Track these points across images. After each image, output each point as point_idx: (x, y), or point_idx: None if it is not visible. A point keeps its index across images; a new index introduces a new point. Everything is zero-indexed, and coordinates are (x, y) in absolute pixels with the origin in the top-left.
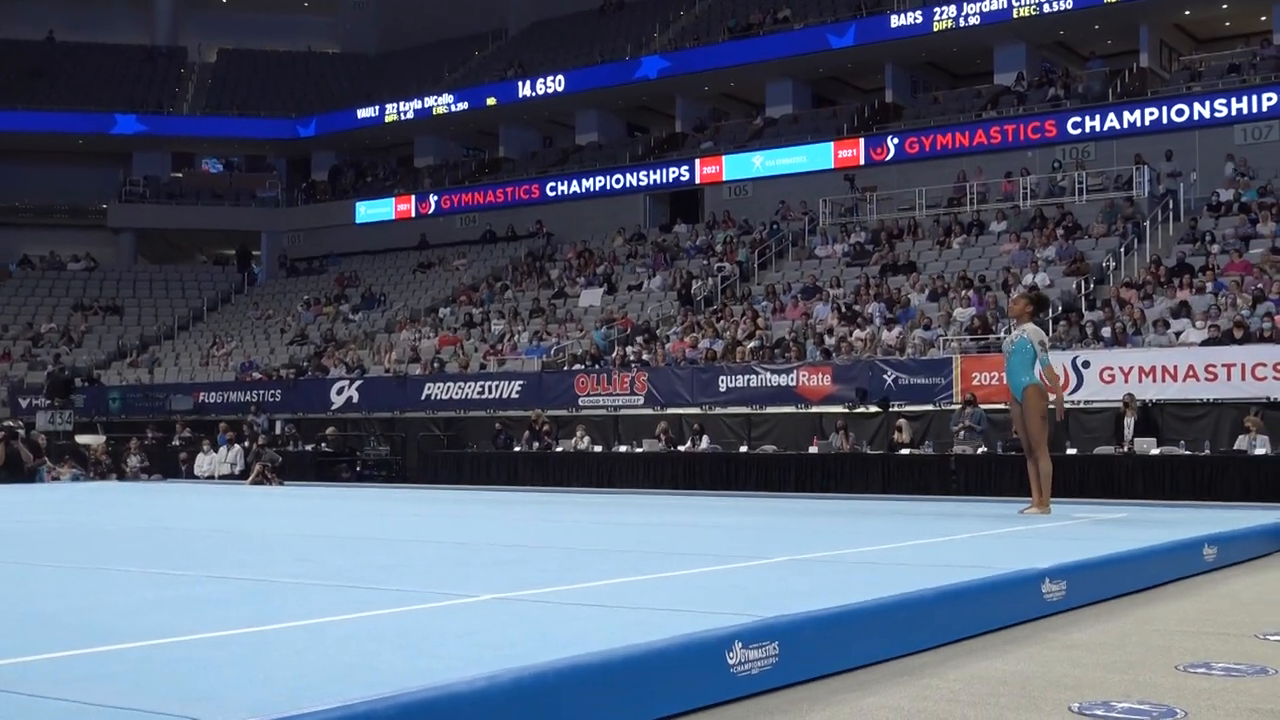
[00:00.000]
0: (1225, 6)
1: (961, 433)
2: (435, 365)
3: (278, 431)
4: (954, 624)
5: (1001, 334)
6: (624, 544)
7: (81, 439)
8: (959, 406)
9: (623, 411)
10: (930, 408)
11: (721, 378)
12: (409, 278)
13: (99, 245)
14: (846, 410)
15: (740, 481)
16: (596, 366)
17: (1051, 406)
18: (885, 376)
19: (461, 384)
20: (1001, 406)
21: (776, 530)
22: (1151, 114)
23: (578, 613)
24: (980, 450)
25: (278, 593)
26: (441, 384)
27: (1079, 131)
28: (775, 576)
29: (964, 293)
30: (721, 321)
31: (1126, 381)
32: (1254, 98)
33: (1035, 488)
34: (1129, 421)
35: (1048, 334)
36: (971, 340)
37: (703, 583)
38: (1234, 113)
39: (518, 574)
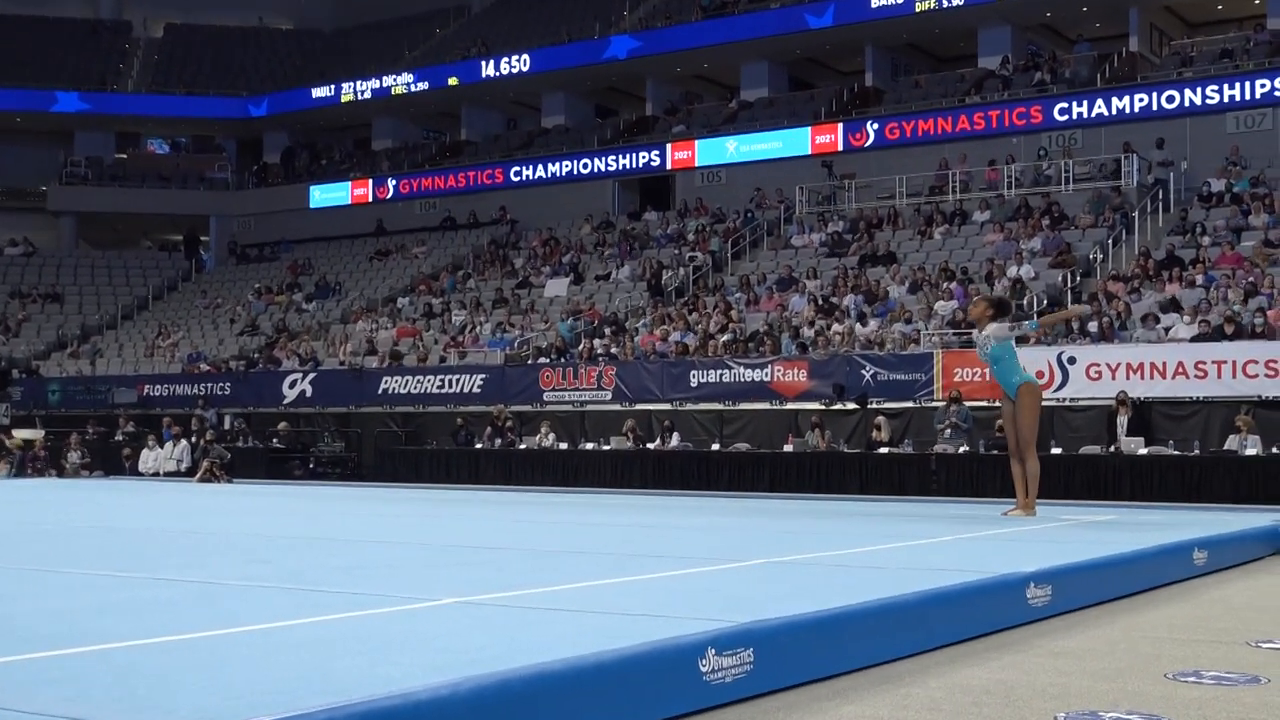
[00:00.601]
0: None
1: (947, 431)
2: (393, 358)
3: (227, 426)
4: (936, 630)
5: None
6: (592, 546)
7: (19, 433)
8: (944, 404)
9: (589, 407)
10: (910, 405)
11: (693, 372)
12: (365, 266)
13: (38, 229)
14: (823, 407)
15: (712, 481)
16: (562, 360)
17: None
18: (864, 372)
19: (420, 378)
20: (984, 403)
21: (751, 532)
22: (1141, 100)
23: (544, 617)
24: (962, 449)
25: (228, 596)
26: (399, 377)
27: (1066, 118)
28: (750, 580)
29: (946, 285)
30: (693, 314)
31: (1114, 378)
32: (1247, 84)
33: (1021, 488)
34: (1122, 420)
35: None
36: (954, 335)
37: (674, 586)
38: (1226, 99)
39: (481, 576)
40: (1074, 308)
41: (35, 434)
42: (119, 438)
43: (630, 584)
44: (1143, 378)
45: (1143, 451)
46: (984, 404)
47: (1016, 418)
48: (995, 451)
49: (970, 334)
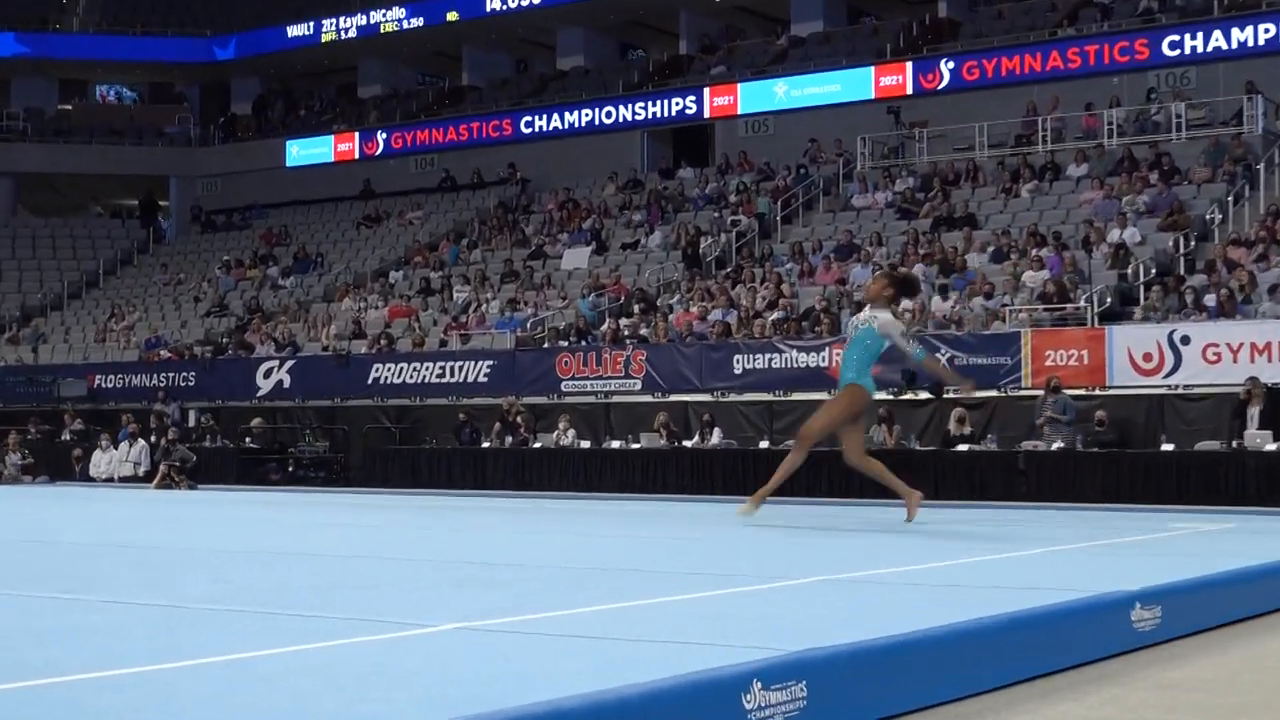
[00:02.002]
0: None
1: (1045, 425)
2: (384, 342)
3: (191, 423)
4: (1023, 660)
5: (1081, 302)
6: (617, 561)
7: None
8: (1041, 394)
9: (615, 399)
10: (994, 394)
11: (737, 357)
12: (351, 234)
13: None
14: (891, 397)
15: (759, 484)
16: (583, 344)
17: (953, 392)
18: (939, 355)
19: (417, 365)
20: (1083, 390)
21: (803, 545)
22: (1267, 31)
23: (561, 646)
24: (1055, 445)
25: (188, 621)
26: (392, 365)
27: (1177, 53)
28: (803, 602)
29: (1035, 252)
30: (737, 288)
31: (1235, 361)
32: None
33: (779, 478)
34: (1253, 412)
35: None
36: (1045, 310)
37: (714, 609)
38: None
39: (487, 598)
40: (964, 381)
41: None
42: (66, 437)
43: (661, 606)
44: (1270, 360)
45: (1270, 447)
46: (1083, 391)
47: (824, 409)
48: (1095, 449)
49: (1064, 310)
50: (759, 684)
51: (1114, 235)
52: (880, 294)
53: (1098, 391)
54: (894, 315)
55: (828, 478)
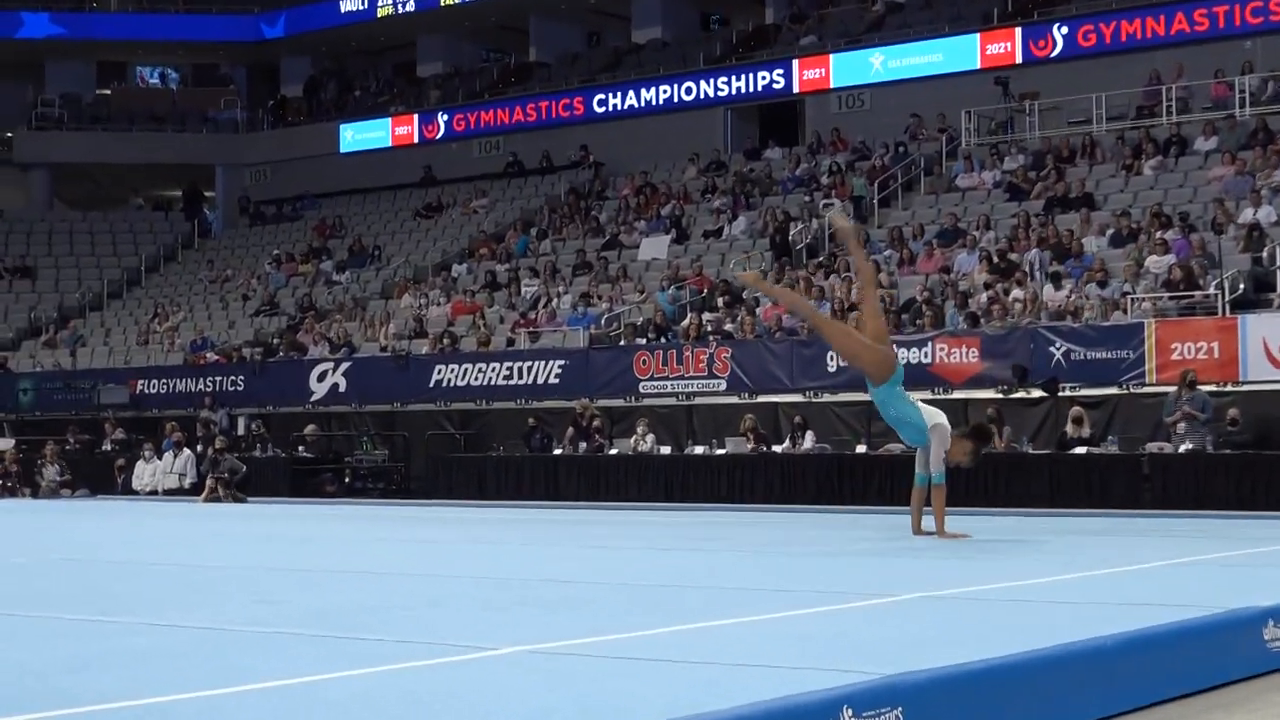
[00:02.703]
0: None
1: (1181, 424)
2: (447, 341)
3: (240, 431)
4: (1139, 683)
5: (1211, 289)
6: (697, 578)
7: None
8: (1174, 390)
9: (698, 401)
10: (1115, 391)
11: (830, 354)
12: (411, 225)
13: (3, 186)
14: (1001, 396)
15: (857, 493)
16: (662, 341)
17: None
18: (1052, 349)
19: (482, 366)
20: (1215, 386)
21: (900, 558)
22: None
23: (631, 671)
24: (1184, 447)
25: (236, 645)
26: (456, 366)
27: None
28: (898, 620)
29: (1159, 235)
30: (830, 278)
31: None
32: None
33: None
34: None
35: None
36: (1170, 299)
37: (802, 629)
38: None
39: (554, 619)
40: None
41: (3, 444)
42: (107, 447)
43: (744, 626)
44: None
45: None
46: (1213, 387)
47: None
48: (1228, 450)
49: (1192, 298)
50: (849, 710)
51: (1247, 215)
52: (960, 455)
53: (1230, 388)
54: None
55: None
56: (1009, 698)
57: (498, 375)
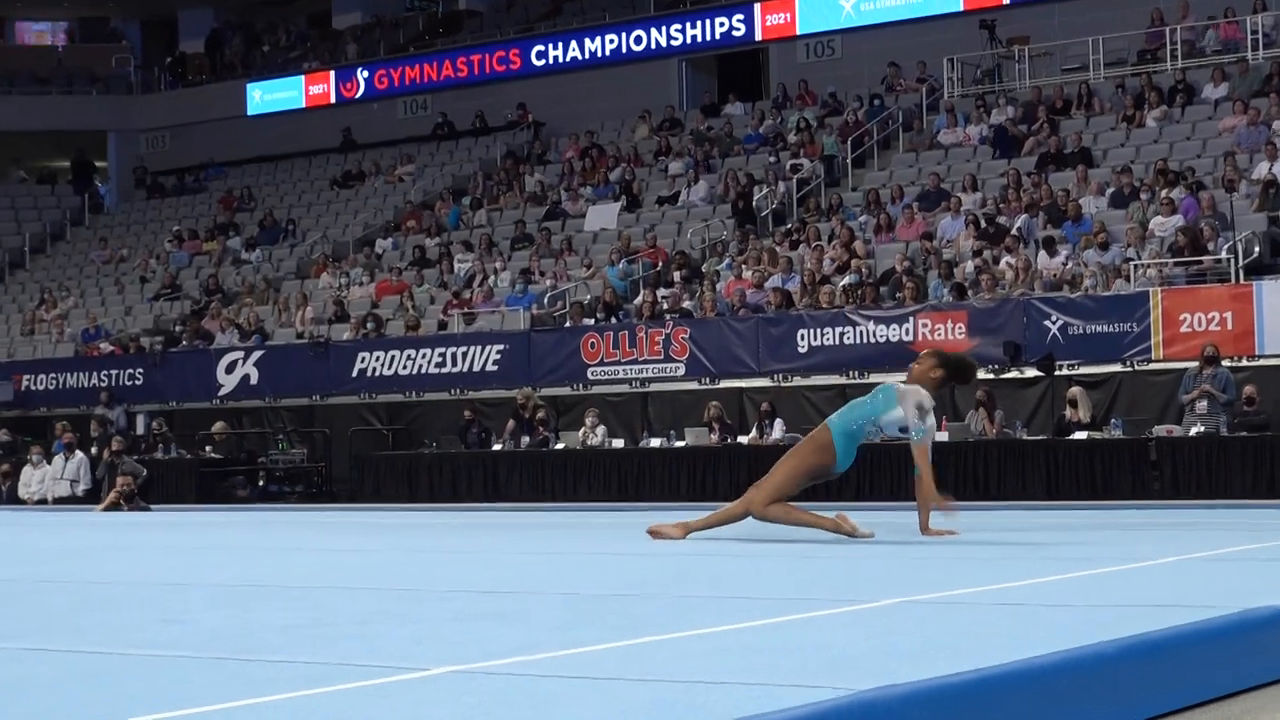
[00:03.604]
0: None
1: (1201, 402)
2: (371, 326)
3: (140, 431)
4: (1146, 694)
5: (1223, 253)
6: (650, 586)
7: None
8: (1194, 366)
9: (654, 387)
10: (1118, 369)
11: (801, 332)
12: (329, 196)
13: None
14: (991, 376)
15: (832, 487)
16: (613, 321)
17: (935, 509)
18: (1048, 323)
19: (411, 353)
20: (1229, 361)
21: (881, 559)
22: None
23: (577, 690)
24: (1195, 430)
25: (135, 670)
26: (382, 354)
27: None
28: (877, 630)
29: (1165, 193)
30: (799, 248)
31: None
32: None
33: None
34: None
35: None
36: (1178, 265)
37: (765, 640)
38: None
39: (490, 635)
40: (946, 504)
41: None
42: None
43: (701, 639)
44: None
45: None
46: (1226, 362)
47: (795, 453)
48: (1244, 433)
49: (1201, 264)
50: None
51: (1261, 170)
52: (926, 375)
53: (1245, 362)
54: (929, 394)
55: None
56: (999, 713)
57: (429, 363)
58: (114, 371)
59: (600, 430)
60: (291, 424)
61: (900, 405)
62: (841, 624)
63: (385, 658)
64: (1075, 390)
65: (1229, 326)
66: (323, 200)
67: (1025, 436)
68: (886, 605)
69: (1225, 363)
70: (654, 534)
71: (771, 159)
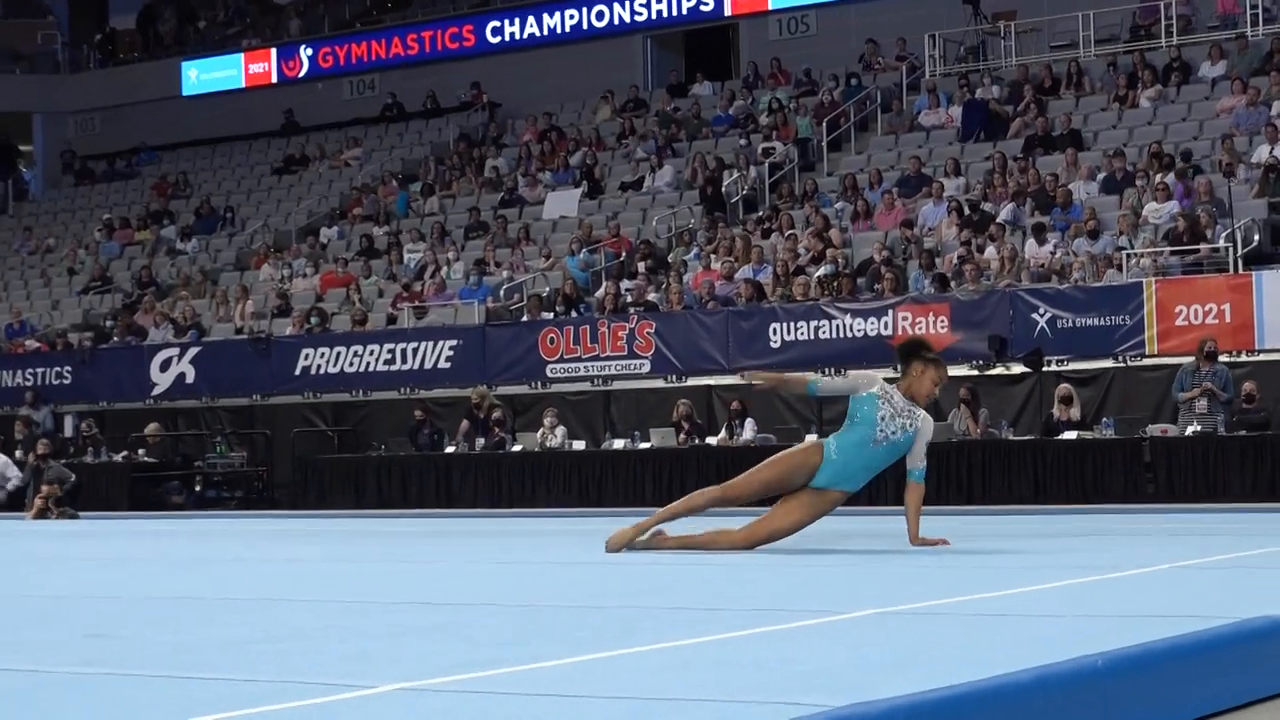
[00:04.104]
0: None
1: (1200, 401)
2: (316, 320)
3: (68, 433)
4: (1137, 710)
5: (1221, 242)
6: (611, 596)
7: None
8: (1190, 362)
9: (617, 386)
10: (1109, 364)
11: (774, 326)
12: (270, 182)
13: None
14: (975, 373)
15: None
16: (573, 315)
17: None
18: (1036, 316)
19: (358, 349)
20: (1228, 357)
21: (859, 567)
22: None
23: (532, 708)
24: (1191, 430)
25: (63, 690)
26: (327, 350)
27: None
28: (852, 642)
29: (1159, 178)
30: (771, 237)
31: None
32: None
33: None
34: None
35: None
36: (1173, 254)
37: (733, 654)
38: None
39: (441, 649)
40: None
41: None
42: None
43: (664, 653)
44: None
45: None
46: (1224, 358)
47: (794, 504)
48: (1243, 432)
49: (1198, 252)
50: None
51: (1261, 153)
52: (934, 388)
53: (1244, 358)
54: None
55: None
56: None
57: (377, 360)
58: (40, 370)
59: (560, 431)
60: (230, 425)
61: (919, 441)
62: (814, 636)
63: (329, 675)
64: (1066, 387)
65: (1227, 319)
66: (263, 187)
67: (1011, 436)
68: (862, 616)
69: (1223, 358)
70: (614, 547)
71: (742, 142)
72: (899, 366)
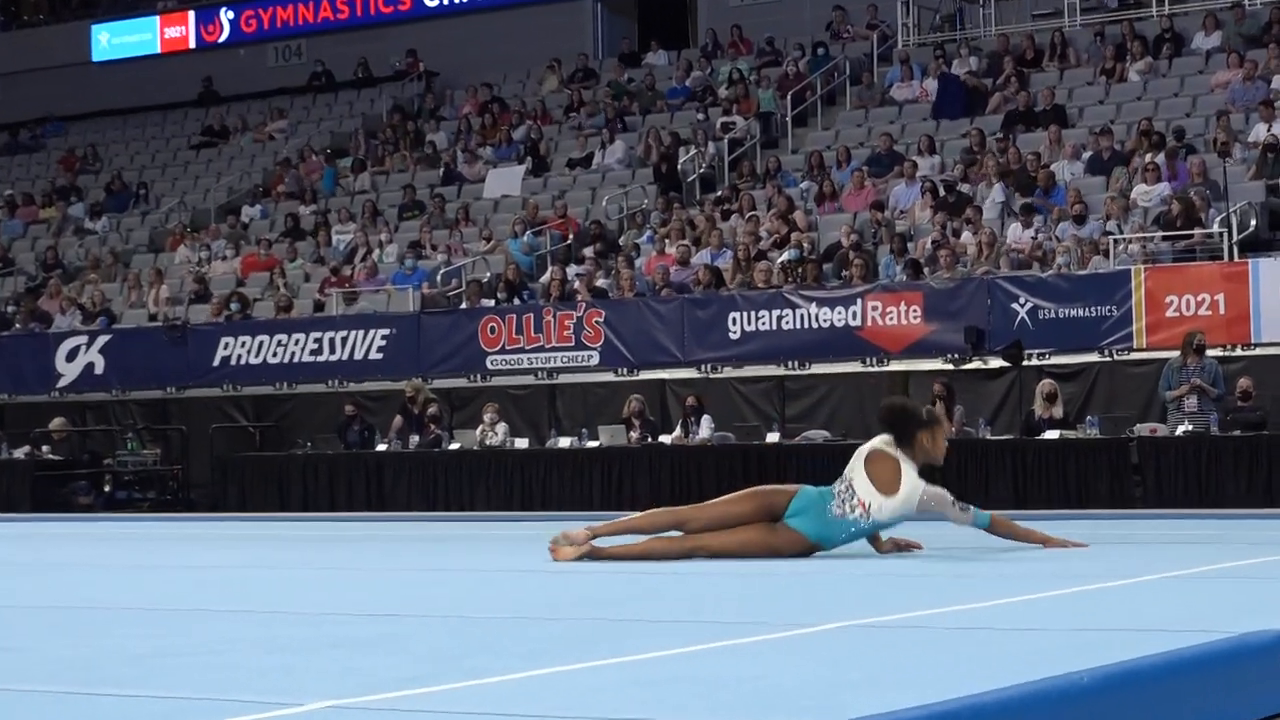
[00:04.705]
0: None
1: (1190, 399)
2: (236, 307)
3: None
4: None
5: (1215, 227)
6: (560, 608)
7: None
8: (1176, 357)
9: (563, 379)
10: (1095, 359)
11: (732, 316)
12: (188, 156)
13: None
14: (950, 367)
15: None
16: (516, 302)
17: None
18: (1016, 306)
19: (283, 338)
20: (1221, 350)
21: (826, 576)
22: None
23: None
24: (1181, 429)
25: None
26: (248, 339)
27: None
28: (819, 658)
29: (1149, 158)
30: (731, 219)
31: None
32: None
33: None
34: None
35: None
36: (1164, 240)
37: (693, 671)
38: None
39: (372, 664)
40: (1052, 538)
41: None
42: None
43: (616, 669)
44: None
45: None
46: (1219, 352)
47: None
48: (1237, 432)
49: (1190, 238)
50: None
51: (1259, 132)
52: (940, 449)
53: (1239, 352)
54: (911, 473)
55: None
56: None
57: (303, 350)
58: None
59: (501, 428)
60: (142, 421)
61: (902, 510)
62: (780, 651)
63: (252, 691)
64: (1048, 383)
65: (1221, 310)
66: (180, 161)
67: (989, 436)
68: (832, 630)
69: (1217, 351)
70: (557, 550)
71: (700, 116)
72: (895, 441)
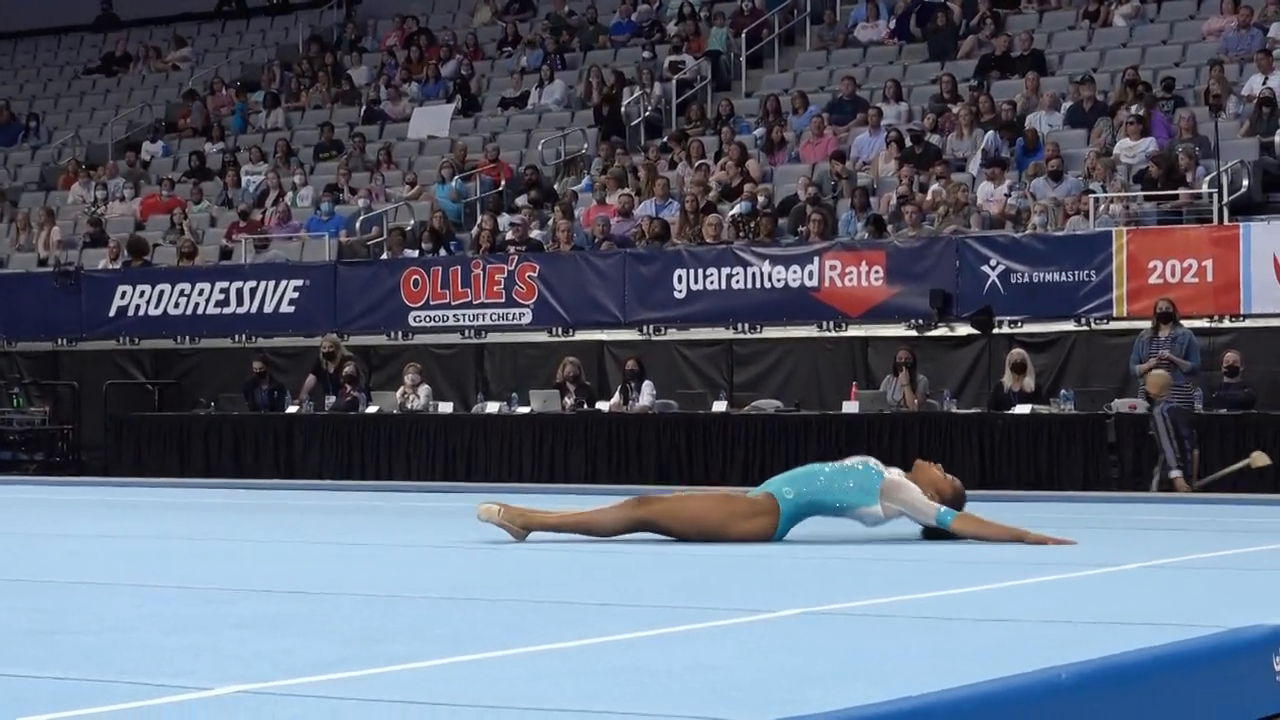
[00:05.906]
0: None
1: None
2: (134, 253)
3: None
4: None
5: (1204, 187)
6: (487, 589)
7: None
8: (1148, 327)
9: (492, 338)
10: (1071, 327)
11: (678, 273)
12: (82, 86)
13: None
14: (914, 334)
15: (714, 467)
16: (443, 253)
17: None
18: (986, 269)
19: (185, 288)
20: (1206, 322)
21: (781, 560)
22: None
23: (392, 717)
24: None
25: None
26: (147, 288)
27: None
28: (774, 647)
29: (1133, 110)
30: (678, 167)
31: None
32: None
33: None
34: None
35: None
36: (1148, 200)
37: (637, 659)
38: None
39: (284, 646)
40: (1030, 533)
41: None
42: None
43: (550, 656)
44: None
45: None
46: (1205, 323)
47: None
48: (1223, 411)
49: (1177, 198)
50: None
51: (1253, 84)
52: (933, 483)
53: (1227, 323)
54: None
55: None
56: None
57: (208, 301)
58: None
59: (423, 391)
60: (30, 375)
61: (882, 501)
62: (732, 639)
63: (155, 674)
64: (1019, 353)
65: (1208, 278)
66: (74, 91)
67: (954, 409)
68: (787, 617)
69: (1204, 323)
70: (486, 517)
71: (646, 54)
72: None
